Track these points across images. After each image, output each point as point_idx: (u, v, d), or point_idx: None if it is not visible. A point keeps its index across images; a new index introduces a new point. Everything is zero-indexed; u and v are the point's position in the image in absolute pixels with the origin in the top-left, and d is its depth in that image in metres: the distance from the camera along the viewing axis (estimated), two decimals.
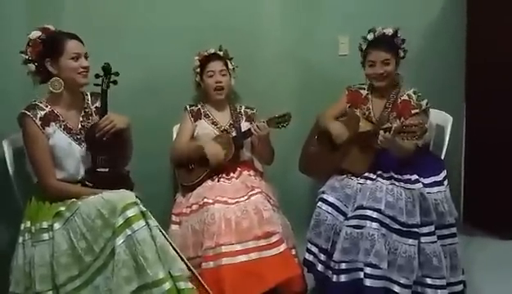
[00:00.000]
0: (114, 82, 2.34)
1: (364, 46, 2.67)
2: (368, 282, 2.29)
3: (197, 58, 2.88)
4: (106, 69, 2.32)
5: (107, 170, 2.28)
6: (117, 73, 2.34)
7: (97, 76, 2.32)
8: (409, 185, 2.41)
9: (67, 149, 2.24)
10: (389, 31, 2.63)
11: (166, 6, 3.01)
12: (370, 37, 2.66)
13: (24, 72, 2.29)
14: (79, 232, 2.03)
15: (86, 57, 2.28)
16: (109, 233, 1.99)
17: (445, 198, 2.42)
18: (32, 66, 2.25)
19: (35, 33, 2.25)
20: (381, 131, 2.38)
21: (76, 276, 2.02)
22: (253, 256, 2.33)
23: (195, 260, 2.35)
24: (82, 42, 2.28)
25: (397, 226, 2.34)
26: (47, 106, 2.24)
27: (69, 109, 2.31)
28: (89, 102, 2.40)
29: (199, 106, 2.86)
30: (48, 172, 2.20)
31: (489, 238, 3.27)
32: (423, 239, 2.33)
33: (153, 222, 2.06)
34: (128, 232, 1.97)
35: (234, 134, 2.76)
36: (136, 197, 2.08)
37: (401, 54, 2.66)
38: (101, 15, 2.92)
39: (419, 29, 2.88)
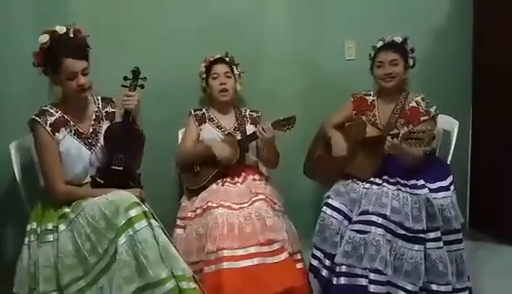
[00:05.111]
0: (142, 87, 2.35)
1: (373, 53, 2.68)
2: (372, 288, 2.28)
3: (203, 64, 2.89)
4: (135, 73, 2.36)
5: (121, 168, 2.28)
6: (145, 78, 2.37)
7: (126, 78, 2.35)
8: (415, 191, 2.40)
9: (76, 154, 2.25)
10: (398, 39, 2.64)
11: (172, 10, 3.02)
12: (379, 44, 2.67)
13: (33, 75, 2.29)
14: (84, 233, 2.04)
15: (84, 73, 2.18)
16: (112, 234, 2.00)
17: (451, 204, 2.41)
18: (39, 69, 2.26)
19: (43, 38, 2.19)
20: (388, 137, 2.38)
21: (80, 277, 2.03)
22: (256, 261, 2.32)
23: (198, 265, 2.35)
24: (81, 55, 2.18)
25: (402, 232, 2.33)
26: (57, 112, 2.25)
27: (79, 113, 2.31)
28: (100, 106, 2.40)
29: (204, 110, 2.86)
30: (56, 178, 2.20)
31: (495, 244, 3.25)
32: (429, 245, 2.32)
33: (155, 222, 2.06)
34: (130, 232, 1.98)
35: (239, 137, 2.76)
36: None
37: (411, 62, 2.65)
38: (108, 17, 2.92)
39: (425, 33, 2.88)
